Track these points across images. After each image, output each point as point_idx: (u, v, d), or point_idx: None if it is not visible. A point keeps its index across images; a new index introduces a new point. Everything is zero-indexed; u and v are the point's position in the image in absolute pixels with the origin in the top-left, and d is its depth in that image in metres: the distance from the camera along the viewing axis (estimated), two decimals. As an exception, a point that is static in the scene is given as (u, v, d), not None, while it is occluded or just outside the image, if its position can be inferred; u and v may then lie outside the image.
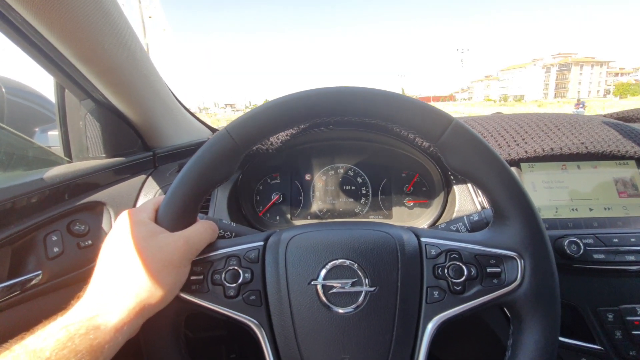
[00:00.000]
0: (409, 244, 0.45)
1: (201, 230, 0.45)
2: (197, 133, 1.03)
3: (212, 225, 0.47)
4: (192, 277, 0.43)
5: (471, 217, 0.57)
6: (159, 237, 0.41)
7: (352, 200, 0.87)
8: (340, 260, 0.43)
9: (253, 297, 0.43)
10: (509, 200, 0.42)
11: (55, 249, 0.59)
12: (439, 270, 0.43)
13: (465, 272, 0.42)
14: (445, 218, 0.79)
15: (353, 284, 0.42)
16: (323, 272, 0.43)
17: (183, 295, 0.42)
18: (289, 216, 0.87)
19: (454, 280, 0.42)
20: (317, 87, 0.44)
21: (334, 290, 0.42)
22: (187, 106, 1.04)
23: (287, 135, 0.73)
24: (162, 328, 0.43)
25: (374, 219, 0.86)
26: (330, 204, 0.87)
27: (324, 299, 0.42)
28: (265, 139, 0.45)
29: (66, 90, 0.72)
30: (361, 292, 0.42)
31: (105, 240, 0.42)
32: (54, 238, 0.59)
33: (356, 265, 0.43)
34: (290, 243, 0.45)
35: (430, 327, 0.41)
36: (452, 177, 0.79)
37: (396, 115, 0.43)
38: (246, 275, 0.43)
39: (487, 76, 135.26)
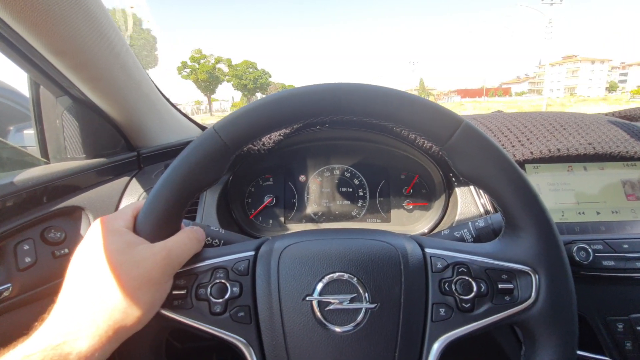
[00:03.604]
0: (412, 255, 0.41)
1: (185, 240, 0.40)
2: (186, 132, 0.98)
3: (197, 234, 0.42)
4: (175, 292, 0.39)
5: (477, 223, 0.54)
6: (137, 249, 0.36)
7: (348, 202, 0.83)
8: (338, 274, 0.39)
9: (242, 314, 0.39)
10: (522, 210, 0.38)
11: (27, 259, 0.54)
12: (445, 286, 0.39)
13: (475, 288, 0.38)
14: (446, 221, 0.76)
15: (352, 300, 0.39)
16: (319, 287, 0.39)
17: (164, 312, 0.39)
18: (282, 219, 0.83)
19: (462, 296, 0.38)
20: (318, 82, 0.40)
21: (331, 306, 0.38)
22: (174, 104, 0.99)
23: (280, 135, 0.68)
24: (140, 350, 0.39)
25: (371, 222, 0.83)
26: (326, 206, 0.83)
27: (319, 316, 0.38)
28: (257, 139, 0.40)
29: (41, 87, 0.67)
30: (361, 309, 0.38)
31: (75, 252, 0.37)
32: (26, 247, 0.54)
33: (355, 279, 0.39)
34: (283, 254, 0.42)
35: (436, 348, 0.38)
36: (453, 179, 0.76)
37: (400, 116, 0.39)
38: (234, 289, 0.39)
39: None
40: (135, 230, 0.39)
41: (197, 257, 0.41)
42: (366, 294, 0.39)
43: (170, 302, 0.39)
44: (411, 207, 0.82)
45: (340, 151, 0.84)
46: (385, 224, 0.82)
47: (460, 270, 0.40)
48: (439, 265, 0.40)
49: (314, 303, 0.38)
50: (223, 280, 0.40)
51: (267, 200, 0.81)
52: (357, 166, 0.84)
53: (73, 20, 0.53)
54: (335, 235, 0.45)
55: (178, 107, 0.99)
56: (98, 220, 0.39)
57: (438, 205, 0.78)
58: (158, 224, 0.39)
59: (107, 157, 0.73)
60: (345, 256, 0.41)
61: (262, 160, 0.81)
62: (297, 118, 0.39)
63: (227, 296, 0.39)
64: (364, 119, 0.39)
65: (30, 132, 0.72)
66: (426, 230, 0.76)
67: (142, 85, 0.75)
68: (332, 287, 0.39)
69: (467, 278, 0.39)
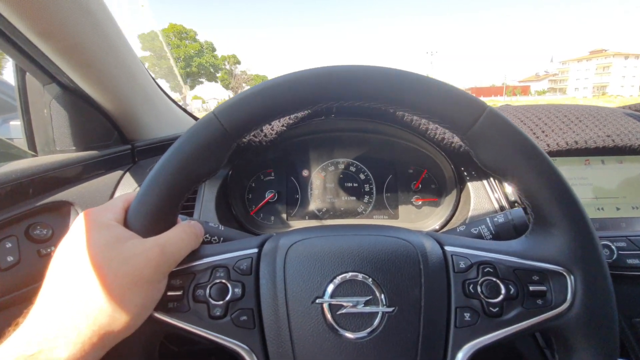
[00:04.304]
0: (432, 254, 0.37)
1: (182, 235, 0.36)
2: (184, 125, 0.94)
3: (195, 229, 0.38)
4: (170, 293, 0.35)
5: (495, 219, 0.50)
6: (127, 244, 0.32)
7: (354, 198, 0.80)
8: (351, 274, 0.36)
9: (244, 318, 0.35)
10: (555, 204, 0.34)
11: (10, 258, 0.50)
12: (470, 287, 0.36)
13: (503, 290, 0.35)
14: (458, 218, 0.72)
15: (367, 303, 0.35)
16: (330, 288, 0.35)
17: (157, 315, 0.35)
18: (284, 216, 0.79)
19: (489, 299, 0.35)
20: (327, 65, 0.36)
21: (344, 310, 0.34)
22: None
23: (282, 126, 0.64)
24: (131, 357, 0.35)
25: (378, 219, 0.79)
26: (330, 202, 0.80)
27: (331, 321, 0.34)
28: (260, 126, 0.37)
29: (27, 74, 0.62)
30: (377, 313, 0.35)
31: (57, 249, 0.33)
32: (9, 245, 0.50)
33: (370, 279, 0.35)
34: (290, 251, 0.38)
35: (461, 357, 0.34)
36: (465, 174, 0.72)
37: (417, 101, 0.35)
38: (236, 290, 0.36)
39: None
40: (126, 223, 0.35)
41: (194, 255, 0.38)
42: (382, 297, 0.35)
43: (164, 304, 0.35)
44: (420, 202, 0.78)
45: (345, 144, 0.80)
46: (393, 221, 0.78)
47: (485, 270, 0.36)
48: (462, 265, 0.37)
49: (325, 306, 0.35)
50: (223, 280, 0.36)
51: (268, 195, 0.77)
52: (362, 160, 0.80)
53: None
54: (345, 231, 0.41)
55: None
56: (84, 213, 0.35)
57: (449, 201, 0.75)
58: (152, 217, 0.35)
59: (99, 149, 0.69)
60: (358, 254, 0.37)
61: (263, 153, 0.77)
62: (306, 103, 0.35)
63: (228, 298, 0.35)
64: (379, 105, 0.36)
65: (16, 124, 0.68)
66: (437, 227, 0.72)
67: (136, 74, 0.71)
68: (344, 289, 0.35)
69: (493, 279, 0.36)
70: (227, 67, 50.05)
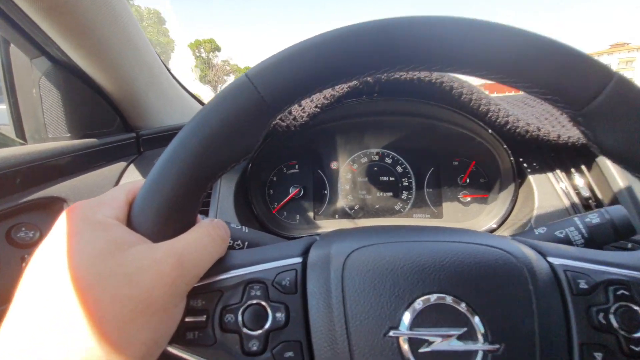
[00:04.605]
0: (540, 268, 0.27)
1: (205, 239, 0.26)
2: (194, 113, 0.84)
3: (220, 230, 0.28)
4: (189, 319, 0.26)
5: (587, 219, 0.39)
6: (131, 253, 0.23)
7: (390, 194, 0.69)
8: (436, 296, 0.25)
9: (290, 354, 0.25)
10: None
11: (-14, 267, 0.40)
12: (599, 317, 0.25)
13: None
14: (516, 218, 0.61)
15: (461, 338, 0.24)
16: (408, 316, 0.25)
17: (172, 350, 0.25)
18: (311, 215, 0.68)
19: (628, 334, 0.24)
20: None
21: (429, 348, 0.24)
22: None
23: (316, 107, 0.54)
24: None
25: (419, 218, 0.68)
26: (363, 199, 0.69)
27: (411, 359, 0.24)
28: (307, 96, 0.27)
29: (11, 45, 0.52)
30: (475, 352, 0.24)
31: (31, 259, 0.23)
32: (-15, 251, 0.41)
33: (464, 304, 0.25)
34: (349, 262, 0.28)
35: None
36: (525, 165, 0.61)
37: (520, 64, 0.25)
38: (277, 315, 0.26)
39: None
40: (130, 223, 0.25)
41: (220, 265, 0.28)
42: (482, 328, 0.25)
43: (182, 335, 0.25)
44: (468, 199, 0.68)
45: (380, 131, 0.69)
46: (437, 220, 0.68)
47: (619, 293, 0.26)
48: (584, 285, 0.26)
49: (402, 340, 0.24)
50: (261, 302, 0.26)
51: (292, 191, 0.67)
52: (399, 150, 0.70)
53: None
54: (415, 235, 0.31)
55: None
56: (72, 207, 0.25)
57: (504, 197, 0.64)
58: (166, 214, 0.25)
59: (98, 137, 0.59)
60: (443, 269, 0.26)
61: (286, 142, 0.67)
62: (379, 65, 0.25)
63: (267, 326, 0.26)
64: (469, 71, 0.26)
65: (2, 108, 0.59)
66: (495, 226, 0.62)
67: (141, 48, 0.61)
68: (428, 317, 0.25)
69: (632, 306, 0.25)
70: (203, 54, 39.45)
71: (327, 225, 0.67)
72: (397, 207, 0.69)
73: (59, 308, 0.20)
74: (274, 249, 0.31)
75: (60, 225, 0.24)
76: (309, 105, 0.53)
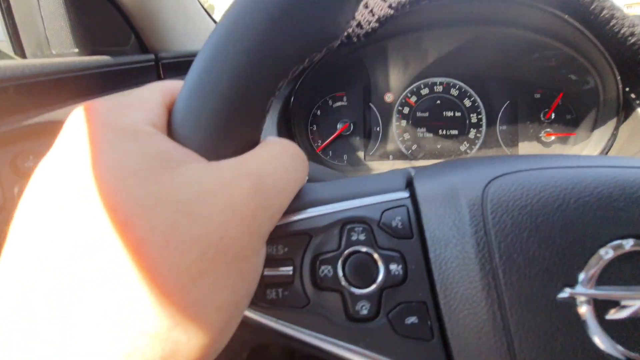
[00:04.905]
0: None
1: (284, 157, 0.18)
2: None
3: (296, 150, 0.20)
4: (269, 272, 0.19)
5: None
6: (183, 171, 0.14)
7: (455, 132, 0.59)
8: (632, 241, 0.17)
9: (413, 320, 0.18)
10: None
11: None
12: None
13: None
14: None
15: None
16: (591, 270, 0.17)
17: (250, 314, 0.19)
18: (361, 155, 0.59)
19: None
20: None
21: (623, 312, 0.17)
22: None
23: (389, 7, 0.41)
24: None
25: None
26: (422, 138, 0.59)
27: (598, 332, 0.17)
28: None
29: None
30: None
31: (30, 183, 0.15)
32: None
33: None
34: (489, 193, 0.19)
35: None
36: (632, 95, 0.49)
37: None
38: (392, 267, 0.19)
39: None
40: (172, 133, 0.17)
41: (302, 199, 0.20)
42: None
43: (261, 295, 0.18)
44: (552, 138, 0.57)
45: (445, 55, 0.56)
46: None
47: None
48: None
49: (582, 304, 0.17)
50: (367, 249, 0.19)
51: (340, 127, 0.57)
52: (468, 80, 0.58)
53: None
54: (572, 160, 0.22)
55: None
56: (86, 107, 0.16)
57: (599, 135, 0.53)
58: (224, 122, 0.17)
59: (112, 55, 0.49)
60: (638, 203, 0.18)
61: (335, 68, 0.55)
62: None
63: (379, 281, 0.18)
64: None
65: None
66: None
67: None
68: (618, 271, 0.17)
69: None
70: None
71: (379, 167, 0.59)
72: (462, 148, 0.59)
73: (78, 263, 0.12)
74: (366, 181, 0.22)
75: (69, 134, 0.15)
76: (382, 5, 0.40)
